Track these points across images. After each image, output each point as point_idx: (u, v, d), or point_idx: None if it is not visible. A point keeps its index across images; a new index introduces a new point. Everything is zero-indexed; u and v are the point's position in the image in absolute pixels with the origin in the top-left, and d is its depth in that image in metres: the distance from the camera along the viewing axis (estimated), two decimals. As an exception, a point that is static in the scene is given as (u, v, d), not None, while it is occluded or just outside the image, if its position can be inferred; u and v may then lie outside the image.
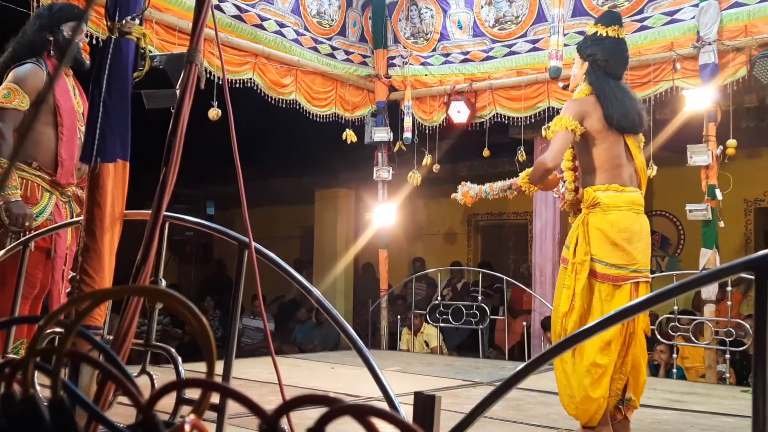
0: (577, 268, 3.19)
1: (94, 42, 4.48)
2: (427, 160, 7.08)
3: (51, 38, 3.37)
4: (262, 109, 6.31)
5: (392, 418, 0.52)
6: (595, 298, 3.19)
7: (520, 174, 3.48)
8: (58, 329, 1.90)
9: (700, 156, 5.52)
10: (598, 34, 3.36)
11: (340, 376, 5.33)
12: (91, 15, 4.48)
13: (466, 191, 3.69)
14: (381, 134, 7.28)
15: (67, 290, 2.08)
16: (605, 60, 3.33)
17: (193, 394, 1.82)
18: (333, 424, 0.54)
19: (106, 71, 2.02)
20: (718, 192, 5.55)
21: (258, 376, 4.57)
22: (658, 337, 5.73)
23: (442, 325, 7.20)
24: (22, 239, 2.66)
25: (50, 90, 3.19)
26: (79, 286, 1.97)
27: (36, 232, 2.84)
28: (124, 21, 2.03)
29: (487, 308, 7.03)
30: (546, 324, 6.54)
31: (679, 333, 5.63)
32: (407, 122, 7.09)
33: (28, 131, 3.00)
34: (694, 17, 5.64)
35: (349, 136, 7.02)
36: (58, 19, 3.41)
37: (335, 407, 0.50)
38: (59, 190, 3.37)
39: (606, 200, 3.20)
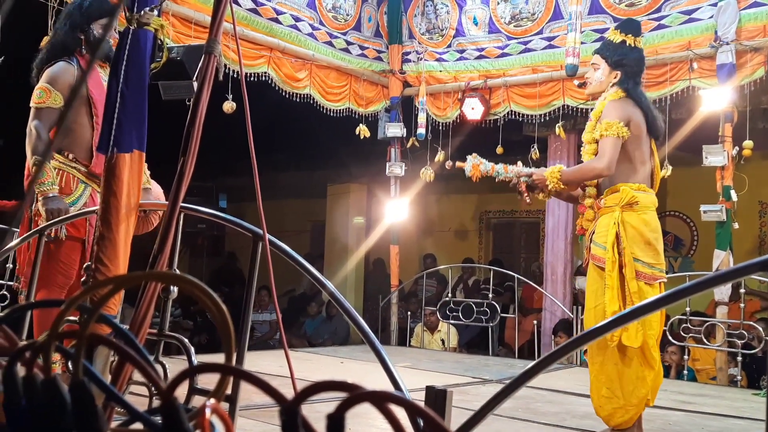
0: (625, 269, 3.18)
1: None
2: (440, 156, 7.07)
3: (82, 37, 3.43)
4: (276, 102, 6.32)
5: (411, 405, 0.52)
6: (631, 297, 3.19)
7: (548, 168, 3.42)
8: (71, 317, 1.92)
9: (715, 156, 5.48)
10: (628, 44, 3.40)
11: (349, 370, 5.35)
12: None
13: (477, 164, 3.48)
14: (394, 130, 7.27)
15: (82, 279, 2.09)
16: (638, 71, 3.40)
17: (204, 384, 1.84)
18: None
19: (124, 62, 2.03)
20: (733, 193, 5.51)
21: (267, 369, 4.59)
22: (670, 338, 5.71)
23: (452, 322, 7.20)
24: (38, 228, 2.68)
25: (82, 84, 3.25)
26: (94, 275, 1.99)
27: (53, 221, 2.86)
28: (142, 12, 2.04)
29: (497, 306, 7.03)
30: (558, 328, 6.50)
31: (690, 334, 5.60)
32: (421, 118, 7.09)
33: (60, 124, 3.04)
34: (712, 17, 5.60)
35: (363, 131, 7.02)
36: (88, 18, 3.46)
37: (356, 393, 0.50)
38: (96, 182, 3.40)
39: (642, 200, 3.25)
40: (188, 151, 1.52)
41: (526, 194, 3.46)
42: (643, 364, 3.14)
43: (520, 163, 3.53)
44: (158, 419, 0.65)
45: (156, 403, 1.90)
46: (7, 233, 2.46)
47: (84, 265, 2.15)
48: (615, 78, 3.39)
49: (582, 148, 3.51)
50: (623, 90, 3.36)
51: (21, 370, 0.71)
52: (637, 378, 3.12)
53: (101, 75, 3.49)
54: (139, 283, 1.45)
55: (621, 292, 3.19)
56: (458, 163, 3.58)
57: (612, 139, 3.20)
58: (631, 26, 3.50)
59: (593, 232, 3.36)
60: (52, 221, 2.89)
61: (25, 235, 3.04)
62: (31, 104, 3.35)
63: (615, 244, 3.20)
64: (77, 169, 3.39)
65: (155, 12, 2.09)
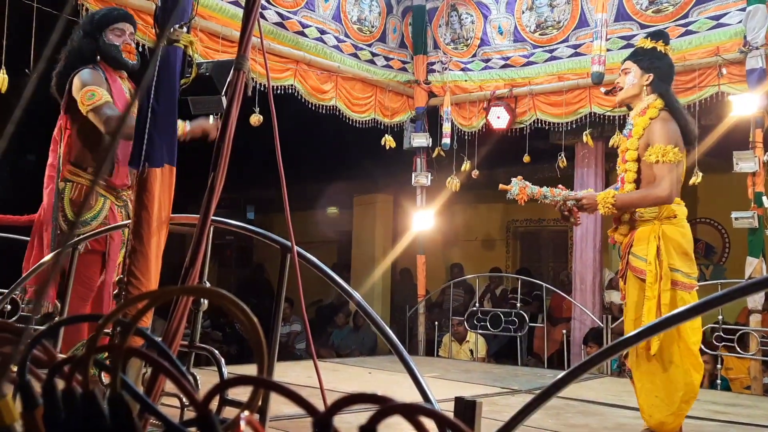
0: (662, 281, 3.20)
1: (141, 50, 4.57)
2: (465, 165, 7.06)
3: (94, 45, 3.47)
4: (302, 114, 6.37)
5: (442, 417, 0.53)
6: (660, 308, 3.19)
7: (600, 192, 3.36)
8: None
9: (746, 162, 5.41)
10: (658, 50, 3.42)
11: (377, 381, 5.34)
12: (139, 23, 4.58)
13: (524, 187, 3.42)
14: (420, 140, 7.28)
15: (114, 292, 2.13)
16: (668, 74, 3.42)
17: (234, 394, 1.85)
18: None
19: (155, 78, 2.07)
20: (765, 199, 5.43)
21: (296, 380, 4.61)
22: (702, 347, 5.61)
23: (480, 332, 7.16)
24: (70, 242, 2.74)
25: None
26: (126, 288, 2.02)
27: (84, 235, 2.91)
28: (172, 29, 2.08)
29: (525, 315, 6.98)
30: (589, 338, 6.43)
31: (723, 343, 5.51)
32: (446, 128, 7.08)
33: (108, 153, 3.10)
34: (740, 21, 5.53)
35: (388, 141, 7.04)
36: (99, 26, 3.50)
37: (387, 406, 0.51)
38: (114, 194, 3.45)
39: (679, 212, 3.29)
40: (218, 165, 1.55)
41: (578, 217, 3.46)
42: (692, 369, 3.17)
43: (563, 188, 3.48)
44: (193, 431, 0.66)
45: (188, 414, 1.92)
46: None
47: (116, 278, 2.19)
48: (647, 80, 3.38)
49: (619, 165, 3.47)
50: (660, 97, 3.35)
51: (60, 383, 0.73)
52: (685, 384, 3.15)
53: (122, 86, 3.53)
54: (177, 297, 1.47)
55: (659, 304, 3.19)
56: (502, 186, 3.52)
57: (669, 166, 3.21)
58: (660, 35, 3.54)
59: (631, 244, 3.33)
60: (87, 235, 2.94)
61: (59, 248, 3.10)
62: (87, 108, 3.26)
63: (656, 256, 3.22)
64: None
65: (184, 29, 2.13)
